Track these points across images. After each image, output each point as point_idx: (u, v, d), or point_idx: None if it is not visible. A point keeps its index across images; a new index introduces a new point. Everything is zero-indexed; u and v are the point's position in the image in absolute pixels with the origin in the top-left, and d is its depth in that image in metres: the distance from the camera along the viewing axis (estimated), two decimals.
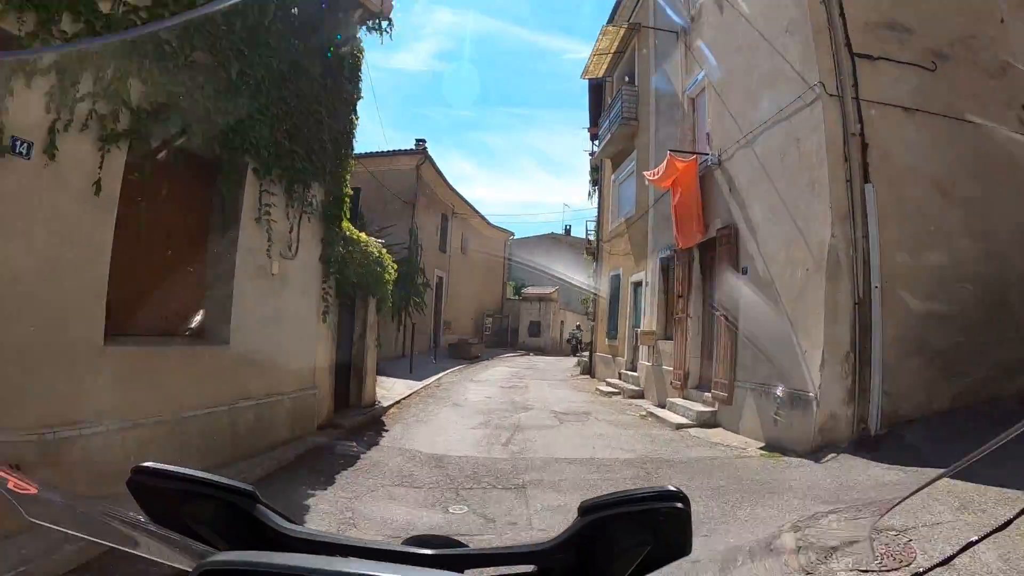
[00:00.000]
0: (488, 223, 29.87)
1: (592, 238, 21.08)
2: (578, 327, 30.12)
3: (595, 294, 21.18)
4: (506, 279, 33.02)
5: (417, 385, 11.79)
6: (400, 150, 19.27)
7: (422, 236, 19.86)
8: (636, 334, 12.92)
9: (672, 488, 0.62)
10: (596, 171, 20.03)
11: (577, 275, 44.05)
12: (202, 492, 0.70)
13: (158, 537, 0.69)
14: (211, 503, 0.70)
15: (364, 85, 7.25)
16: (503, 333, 30.88)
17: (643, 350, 12.14)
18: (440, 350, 20.88)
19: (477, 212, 27.39)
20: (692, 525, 0.61)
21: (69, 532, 0.73)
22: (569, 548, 0.63)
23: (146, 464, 0.70)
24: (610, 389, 13.02)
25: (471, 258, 28.00)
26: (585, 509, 0.62)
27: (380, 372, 9.88)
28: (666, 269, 11.31)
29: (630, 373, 12.98)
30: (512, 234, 33.02)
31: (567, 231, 45.01)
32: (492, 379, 15.18)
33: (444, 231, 23.53)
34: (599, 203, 18.48)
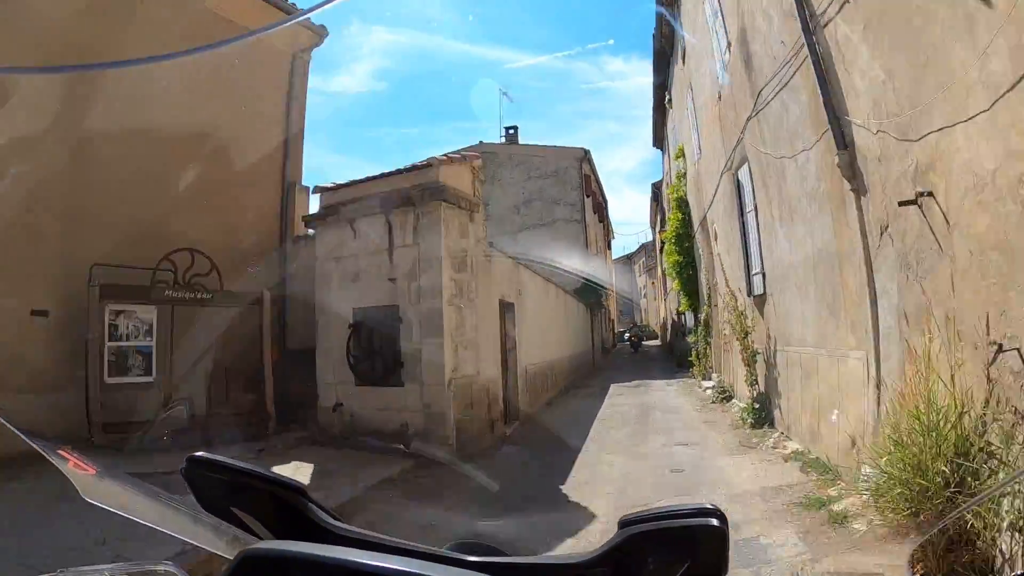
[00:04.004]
0: None
1: None
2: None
3: None
4: (289, 173, 9.29)
5: None
6: None
7: None
8: None
9: (709, 506, 0.60)
10: None
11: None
12: (252, 484, 0.70)
13: (207, 525, 0.73)
14: (260, 496, 0.70)
15: None
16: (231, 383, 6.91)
17: None
18: None
19: None
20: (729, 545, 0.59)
21: (122, 514, 0.73)
22: (608, 561, 0.61)
23: (200, 454, 0.69)
24: None
25: None
26: (624, 523, 0.62)
27: None
28: None
29: None
30: (323, 35, 9.38)
31: (510, 136, 22.04)
32: None
33: None
34: None
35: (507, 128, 22.64)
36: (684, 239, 13.49)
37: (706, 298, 11.61)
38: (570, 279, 17.94)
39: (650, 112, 20.28)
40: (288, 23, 9.15)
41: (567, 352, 13.84)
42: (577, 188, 20.43)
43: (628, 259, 50.77)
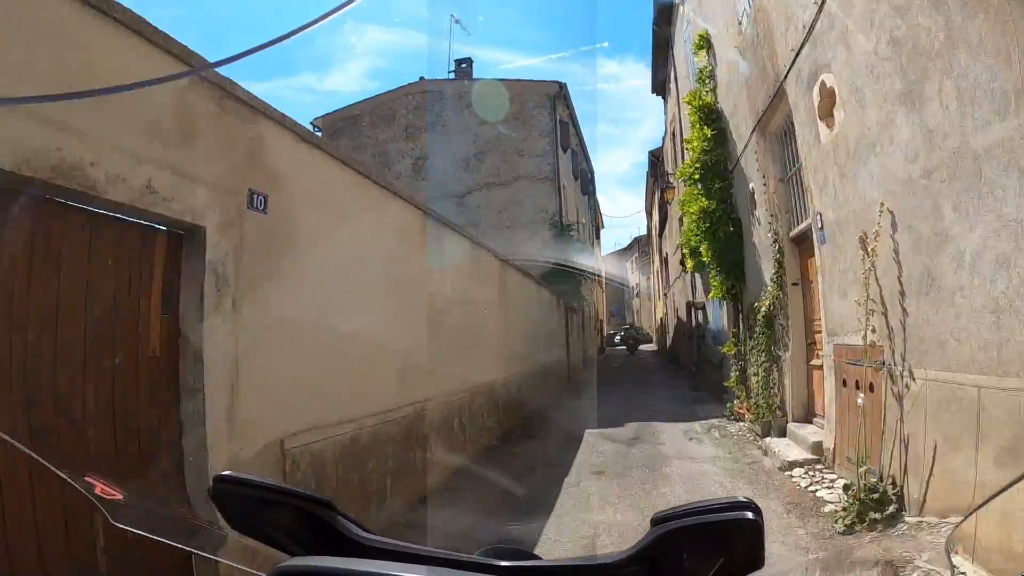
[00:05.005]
0: None
1: None
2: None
3: None
4: None
5: None
6: None
7: None
8: None
9: (743, 499, 0.57)
10: None
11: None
12: (280, 501, 0.69)
13: (237, 544, 0.72)
14: (289, 512, 0.69)
15: None
16: None
17: None
18: None
19: None
20: (764, 538, 0.55)
21: (152, 536, 0.72)
22: (642, 561, 0.59)
23: (227, 473, 0.68)
24: None
25: None
26: (657, 520, 0.59)
27: None
28: None
29: None
30: None
31: (462, 71, 16.35)
32: None
33: None
34: None
35: (458, 61, 16.84)
36: (716, 173, 7.71)
37: (772, 273, 5.89)
38: (535, 262, 12.14)
39: (646, 113, 14.86)
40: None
41: (507, 373, 7.98)
42: (548, 135, 14.67)
43: (620, 254, 45.54)
